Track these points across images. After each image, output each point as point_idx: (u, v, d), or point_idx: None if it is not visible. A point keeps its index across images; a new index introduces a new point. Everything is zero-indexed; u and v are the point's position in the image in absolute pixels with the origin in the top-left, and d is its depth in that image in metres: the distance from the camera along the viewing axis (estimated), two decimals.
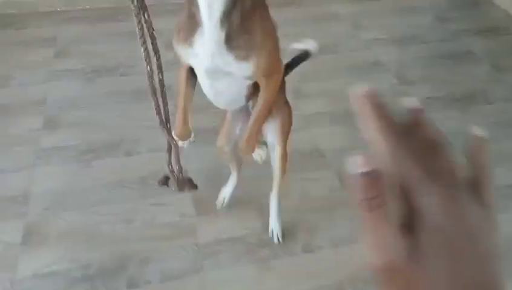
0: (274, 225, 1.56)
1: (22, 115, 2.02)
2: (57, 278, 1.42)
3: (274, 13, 0.94)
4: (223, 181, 1.73)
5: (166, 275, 1.45)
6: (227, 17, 0.81)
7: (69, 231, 1.56)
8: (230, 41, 0.84)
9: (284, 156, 1.37)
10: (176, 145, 1.22)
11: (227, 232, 1.59)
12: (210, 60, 0.88)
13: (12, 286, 1.39)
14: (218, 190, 1.71)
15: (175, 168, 1.30)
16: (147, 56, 0.96)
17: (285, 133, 1.31)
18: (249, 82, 1.01)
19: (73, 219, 1.60)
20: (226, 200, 1.65)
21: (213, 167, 1.82)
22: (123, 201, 1.67)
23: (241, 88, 1.03)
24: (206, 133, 1.95)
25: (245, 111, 1.27)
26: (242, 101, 1.13)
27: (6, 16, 2.68)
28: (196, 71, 1.00)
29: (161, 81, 1.05)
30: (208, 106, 2.01)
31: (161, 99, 1.07)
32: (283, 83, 1.24)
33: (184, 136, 1.17)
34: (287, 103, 1.29)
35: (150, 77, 1.00)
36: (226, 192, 1.65)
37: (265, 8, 0.90)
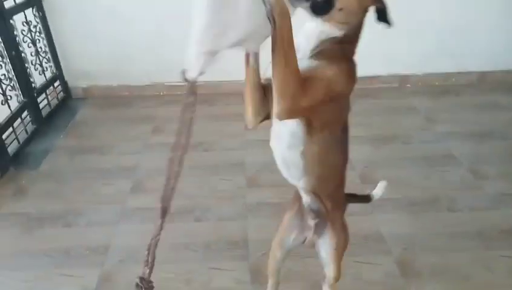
0: None
1: (115, 178, 2.35)
2: None
3: (354, 105, 1.08)
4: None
5: None
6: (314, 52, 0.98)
7: None
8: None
9: (337, 278, 1.38)
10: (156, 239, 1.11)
11: None
12: None
13: None
14: None
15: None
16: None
17: (340, 255, 1.32)
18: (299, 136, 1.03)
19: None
20: None
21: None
22: (186, 262, 1.81)
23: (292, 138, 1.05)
24: (273, 207, 2.10)
25: (300, 221, 1.32)
26: (295, 170, 1.12)
27: (120, 97, 3.22)
28: None
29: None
30: (277, 183, 2.18)
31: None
32: (340, 203, 1.28)
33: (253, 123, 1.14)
34: (345, 226, 1.31)
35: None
36: None
37: (342, 62, 1.00)
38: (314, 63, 0.97)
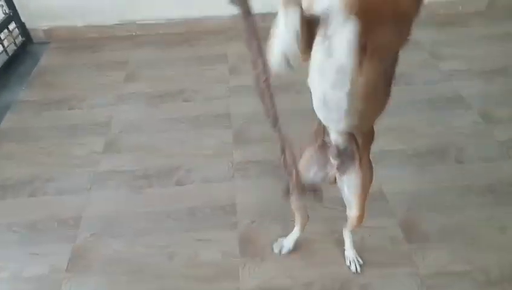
0: (351, 255, 1.50)
1: (86, 137, 2.09)
2: None
3: None
4: (275, 219, 1.64)
5: None
6: None
7: (113, 260, 1.54)
8: None
9: (361, 218, 1.31)
10: (289, 145, 1.10)
11: (272, 280, 1.46)
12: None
13: None
14: (267, 229, 1.62)
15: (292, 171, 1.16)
16: (256, 56, 0.90)
17: (364, 193, 1.24)
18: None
19: (118, 248, 1.58)
20: (283, 251, 1.55)
21: (266, 203, 1.72)
22: (168, 233, 1.63)
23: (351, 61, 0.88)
24: (262, 166, 1.88)
25: (322, 157, 1.20)
26: (336, 113, 0.98)
27: (87, 40, 2.85)
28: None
29: (266, 81, 0.95)
30: (266, 137, 1.93)
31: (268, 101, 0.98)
32: (370, 137, 1.16)
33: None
34: (370, 162, 1.21)
35: (258, 78, 0.93)
36: (286, 243, 1.55)
37: None
38: None
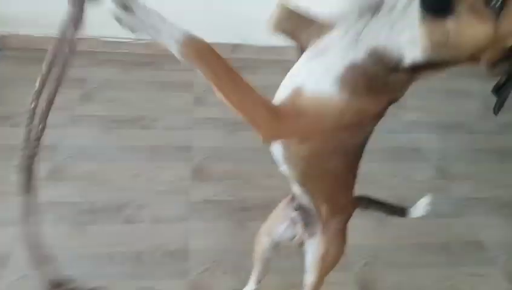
0: None
1: None
2: None
3: None
4: (230, 268, 1.54)
5: None
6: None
7: None
8: None
9: (316, 288, 1.20)
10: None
11: None
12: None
13: None
14: (220, 279, 1.52)
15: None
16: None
17: (324, 268, 1.15)
18: None
19: None
20: None
21: (221, 249, 1.63)
22: (109, 279, 1.48)
23: None
24: (221, 207, 1.79)
25: (291, 211, 1.13)
26: (276, 151, 0.92)
27: (42, 51, 2.66)
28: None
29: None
30: (229, 176, 1.82)
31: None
32: (340, 211, 1.08)
33: None
34: (341, 236, 1.11)
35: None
36: None
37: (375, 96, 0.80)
38: (336, 93, 0.73)
